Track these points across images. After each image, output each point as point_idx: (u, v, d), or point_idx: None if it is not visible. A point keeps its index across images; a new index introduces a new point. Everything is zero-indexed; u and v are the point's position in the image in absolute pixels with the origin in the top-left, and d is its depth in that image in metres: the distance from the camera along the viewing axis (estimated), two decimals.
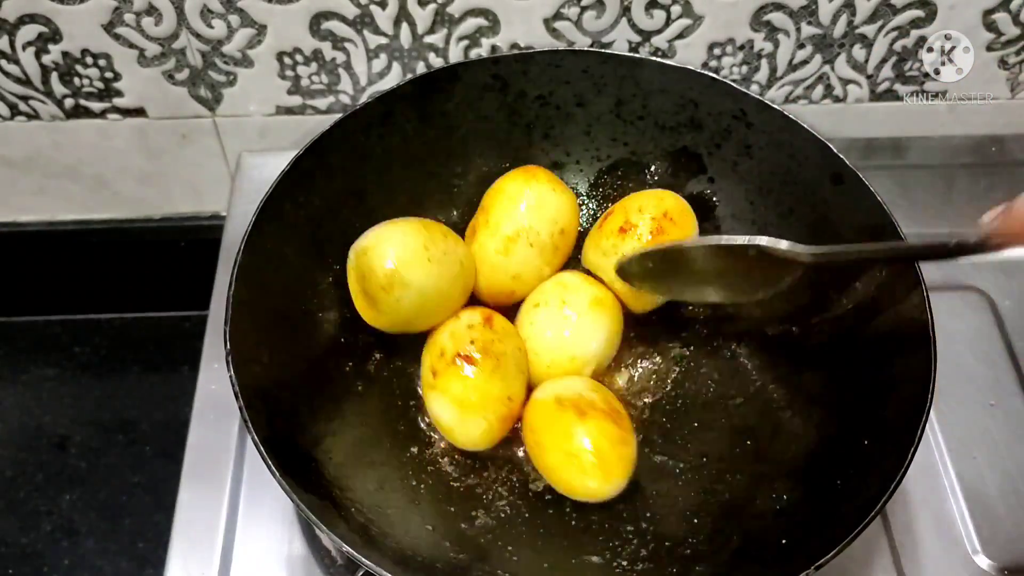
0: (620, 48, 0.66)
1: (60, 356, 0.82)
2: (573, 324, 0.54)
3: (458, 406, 0.51)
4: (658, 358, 0.58)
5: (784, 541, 0.46)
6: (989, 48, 0.67)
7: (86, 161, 0.73)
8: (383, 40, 0.64)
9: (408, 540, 0.48)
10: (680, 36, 0.65)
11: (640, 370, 0.58)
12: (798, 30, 0.65)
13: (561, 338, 0.54)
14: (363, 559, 0.41)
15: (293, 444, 0.47)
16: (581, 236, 0.59)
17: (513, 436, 0.53)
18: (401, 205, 0.59)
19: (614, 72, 0.58)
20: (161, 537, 0.55)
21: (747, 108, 0.56)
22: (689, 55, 0.66)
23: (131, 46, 0.64)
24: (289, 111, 0.69)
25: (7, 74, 0.65)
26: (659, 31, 0.64)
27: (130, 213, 0.78)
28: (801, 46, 0.66)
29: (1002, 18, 0.65)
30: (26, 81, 0.66)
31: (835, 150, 0.53)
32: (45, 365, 0.82)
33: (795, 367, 0.55)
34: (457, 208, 0.61)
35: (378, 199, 0.58)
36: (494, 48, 0.65)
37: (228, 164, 0.74)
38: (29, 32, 0.62)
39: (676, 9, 0.63)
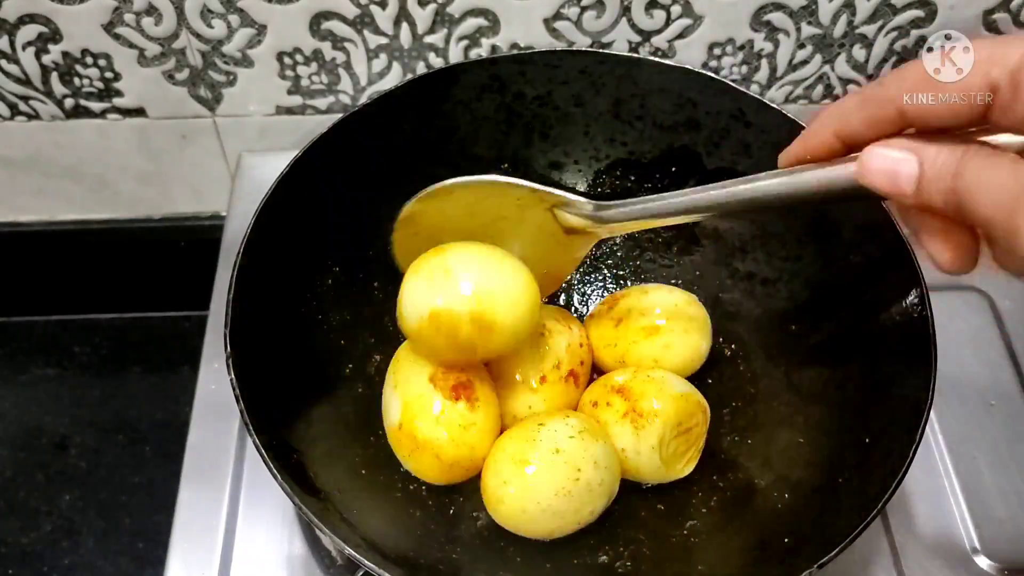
0: (620, 48, 0.66)
1: (60, 356, 0.82)
2: None
3: None
4: None
5: (786, 540, 0.46)
6: None
7: (86, 161, 0.73)
8: (383, 40, 0.64)
9: (409, 540, 0.48)
10: (680, 36, 0.65)
11: None
12: (798, 30, 0.65)
13: None
14: (364, 560, 0.41)
15: (294, 446, 0.47)
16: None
17: None
18: (400, 206, 0.59)
19: (612, 72, 0.58)
20: (161, 537, 0.55)
21: (745, 107, 0.56)
22: (689, 55, 0.66)
23: (131, 46, 0.64)
24: (289, 111, 0.69)
25: (7, 74, 0.65)
26: (659, 31, 0.64)
27: (130, 213, 0.78)
28: (801, 46, 0.66)
29: (1002, 18, 0.65)
30: (26, 81, 0.66)
31: None
32: (45, 365, 0.82)
33: (795, 365, 0.55)
34: None
35: (378, 200, 0.58)
36: (494, 48, 0.65)
37: (228, 164, 0.74)
38: (29, 32, 0.62)
39: (676, 9, 0.63)
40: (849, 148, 0.37)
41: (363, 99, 0.69)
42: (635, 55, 0.60)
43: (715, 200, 0.43)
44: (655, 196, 0.46)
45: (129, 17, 0.62)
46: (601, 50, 0.60)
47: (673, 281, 0.60)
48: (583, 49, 0.61)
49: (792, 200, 0.40)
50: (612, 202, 0.48)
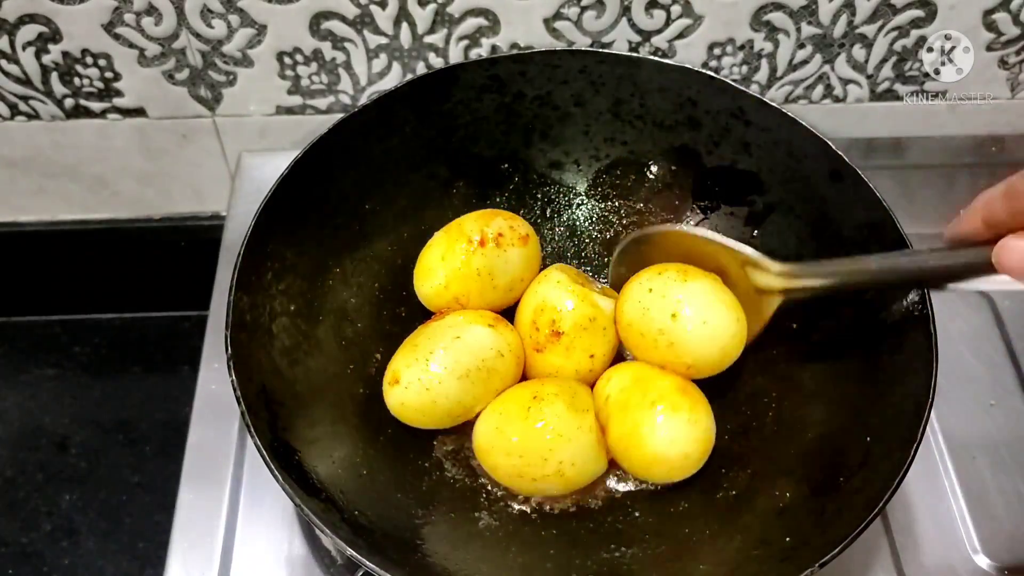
0: (620, 48, 0.66)
1: (60, 356, 0.82)
2: None
3: None
4: None
5: (786, 540, 0.46)
6: (989, 48, 0.67)
7: (86, 161, 0.73)
8: (383, 40, 0.64)
9: (410, 542, 0.48)
10: (680, 36, 0.65)
11: None
12: (798, 30, 0.65)
13: None
14: (365, 560, 0.41)
15: (295, 447, 0.47)
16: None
17: None
18: (401, 207, 0.59)
19: (612, 72, 0.58)
20: (161, 537, 0.55)
21: (745, 106, 0.56)
22: (689, 55, 0.66)
23: (131, 46, 0.64)
24: (289, 111, 0.69)
25: (7, 74, 0.65)
26: (659, 31, 0.64)
27: (130, 213, 0.78)
28: (801, 46, 0.66)
29: (1002, 18, 0.65)
30: (26, 81, 0.66)
31: (834, 147, 0.53)
32: (45, 365, 0.82)
33: (795, 364, 0.55)
34: (456, 210, 0.61)
35: (378, 200, 0.58)
36: (494, 48, 0.65)
37: (228, 164, 0.74)
38: (29, 32, 0.62)
39: (676, 9, 0.63)
40: (996, 235, 0.41)
41: (363, 99, 0.69)
42: (635, 55, 0.59)
43: (904, 267, 0.47)
44: (840, 260, 0.49)
45: (129, 17, 0.62)
46: (601, 50, 0.60)
47: None
48: (583, 49, 0.61)
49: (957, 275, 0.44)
50: (796, 264, 0.50)
